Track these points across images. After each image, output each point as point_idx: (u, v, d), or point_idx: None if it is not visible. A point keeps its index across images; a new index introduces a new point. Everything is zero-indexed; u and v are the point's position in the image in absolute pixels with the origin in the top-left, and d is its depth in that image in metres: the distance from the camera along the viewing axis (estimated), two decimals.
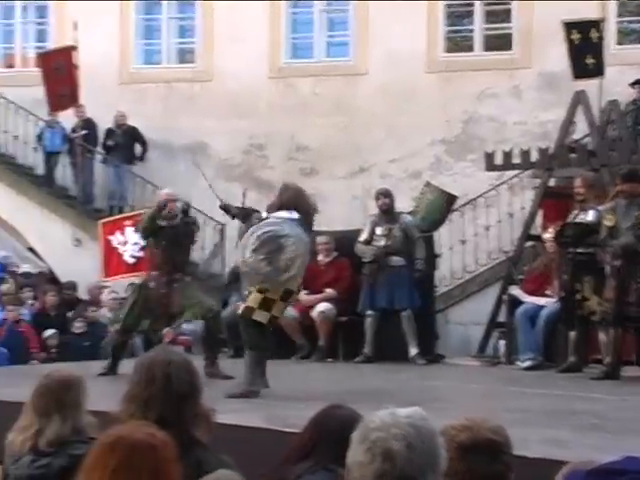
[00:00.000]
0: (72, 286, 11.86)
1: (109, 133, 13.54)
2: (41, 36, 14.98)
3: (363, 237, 9.96)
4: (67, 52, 12.85)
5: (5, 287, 11.17)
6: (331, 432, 2.98)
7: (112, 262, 11.92)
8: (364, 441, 2.08)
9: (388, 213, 9.94)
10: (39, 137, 13.58)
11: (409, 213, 10.21)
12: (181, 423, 2.87)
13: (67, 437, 3.25)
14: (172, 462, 2.28)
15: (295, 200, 6.84)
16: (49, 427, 3.23)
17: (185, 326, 11.11)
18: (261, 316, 6.60)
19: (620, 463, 1.90)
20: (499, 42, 13.49)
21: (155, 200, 8.70)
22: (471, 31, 13.54)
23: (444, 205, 10.45)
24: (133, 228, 12.03)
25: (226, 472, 2.61)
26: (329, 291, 10.17)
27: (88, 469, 2.23)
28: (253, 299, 6.67)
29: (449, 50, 13.54)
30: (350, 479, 2.11)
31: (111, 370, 7.98)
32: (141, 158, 13.67)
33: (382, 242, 9.81)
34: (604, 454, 2.42)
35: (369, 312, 9.72)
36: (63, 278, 12.48)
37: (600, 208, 8.52)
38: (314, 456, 3.00)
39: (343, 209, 12.75)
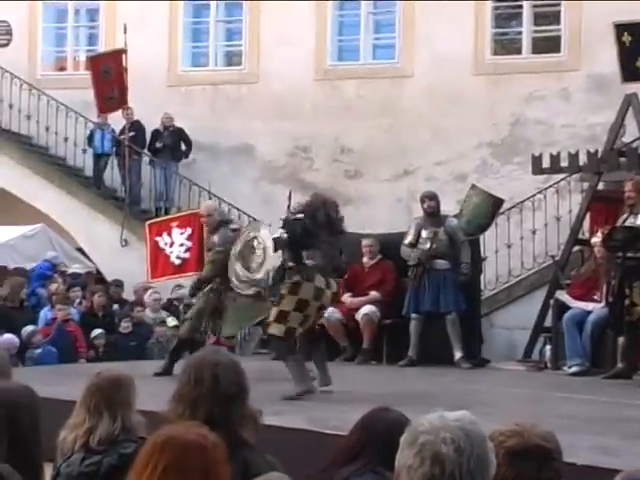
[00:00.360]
0: (119, 284, 12.00)
1: (156, 135, 13.65)
2: (92, 39, 15.17)
3: (408, 240, 9.92)
4: (117, 55, 13.00)
5: (54, 287, 11.33)
6: (379, 435, 2.97)
7: (159, 263, 12.00)
8: (413, 444, 2.07)
9: (434, 216, 9.89)
10: (89, 139, 13.74)
11: (455, 216, 10.14)
12: (229, 424, 2.89)
13: (117, 436, 3.29)
14: (222, 463, 2.28)
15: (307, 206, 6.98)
16: (100, 425, 3.27)
17: None
18: (276, 329, 6.72)
19: None
20: (547, 44, 13.35)
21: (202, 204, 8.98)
22: (519, 33, 13.41)
23: (490, 208, 10.36)
24: (179, 229, 12.14)
25: (276, 474, 2.62)
26: (373, 294, 10.15)
27: (139, 468, 2.25)
28: (272, 313, 6.83)
29: (496, 52, 13.43)
30: None
31: (166, 371, 8.05)
32: (186, 155, 13.74)
33: (427, 245, 9.76)
34: None
35: (414, 315, 9.68)
36: (110, 278, 12.62)
37: None
38: (361, 458, 2.99)
39: (387, 212, 12.74)
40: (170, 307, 11.62)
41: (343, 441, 3.14)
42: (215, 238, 8.54)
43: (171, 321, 11.03)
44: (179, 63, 14.41)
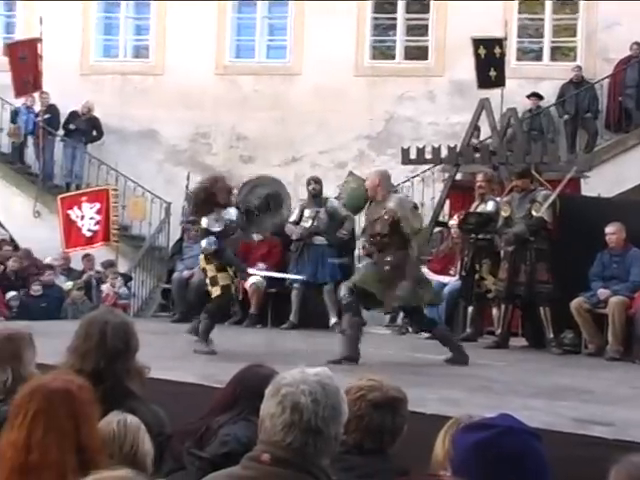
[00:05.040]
0: (27, 254, 11.55)
1: (73, 116, 13.20)
2: (9, 28, 14.52)
3: (292, 218, 9.94)
4: (33, 43, 12.50)
5: None
6: (251, 387, 2.96)
7: (72, 235, 11.71)
8: (275, 395, 2.07)
9: (317, 197, 9.94)
10: (13, 118, 13.17)
11: (335, 198, 10.22)
12: (115, 376, 2.84)
13: (13, 385, 3.16)
14: (89, 404, 2.23)
15: None
16: None
17: (122, 290, 10.90)
18: None
19: (493, 419, 1.92)
20: (417, 52, 13.57)
21: None
22: (394, 42, 13.58)
23: (364, 193, 10.43)
24: (89, 204, 11.80)
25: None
26: (261, 265, 10.12)
27: (11, 417, 2.18)
28: None
29: (374, 57, 13.56)
30: (262, 429, 2.09)
31: None
32: (93, 141, 13.36)
33: (309, 223, 9.82)
34: (487, 411, 2.44)
35: (295, 285, 9.71)
36: (23, 246, 12.19)
37: (498, 200, 8.66)
38: (236, 408, 2.98)
39: None
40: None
41: (220, 393, 3.12)
42: None
43: (68, 285, 10.75)
44: (91, 54, 14.00)
